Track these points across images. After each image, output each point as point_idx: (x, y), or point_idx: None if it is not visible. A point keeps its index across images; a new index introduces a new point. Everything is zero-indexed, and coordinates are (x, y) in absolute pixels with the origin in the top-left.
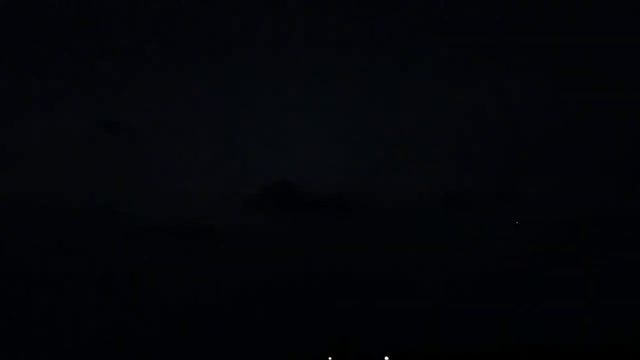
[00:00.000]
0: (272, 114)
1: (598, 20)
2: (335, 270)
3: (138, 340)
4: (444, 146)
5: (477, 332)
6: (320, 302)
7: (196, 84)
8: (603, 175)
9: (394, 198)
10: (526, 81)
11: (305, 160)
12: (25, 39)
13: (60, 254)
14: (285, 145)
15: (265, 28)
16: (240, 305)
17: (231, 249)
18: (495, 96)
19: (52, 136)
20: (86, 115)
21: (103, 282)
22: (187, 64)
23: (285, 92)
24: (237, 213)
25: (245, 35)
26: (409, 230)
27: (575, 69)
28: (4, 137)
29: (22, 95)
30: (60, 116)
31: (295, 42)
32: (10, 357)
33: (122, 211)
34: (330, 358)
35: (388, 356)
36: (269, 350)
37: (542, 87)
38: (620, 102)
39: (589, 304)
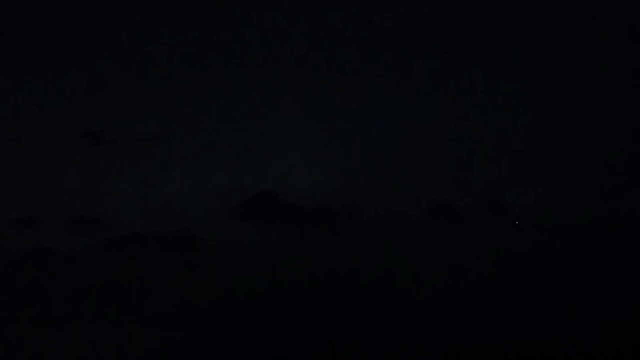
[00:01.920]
0: (257, 124)
1: (594, 28)
2: (323, 280)
3: (120, 351)
4: (432, 156)
5: (468, 342)
6: (307, 313)
7: (180, 94)
8: (594, 182)
9: (381, 209)
10: (520, 89)
11: (290, 171)
12: (5, 46)
13: (42, 262)
14: (270, 155)
15: (252, 38)
16: (225, 317)
17: (216, 260)
18: (485, 104)
19: (33, 145)
20: (68, 124)
21: (85, 292)
22: (170, 74)
23: (270, 102)
24: (222, 224)
25: (230, 45)
26: (397, 241)
27: (567, 77)
28: None
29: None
30: (41, 125)
31: (284, 52)
32: None
33: (105, 221)
34: None
35: None
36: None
37: (536, 95)
38: (611, 109)
39: (580, 313)
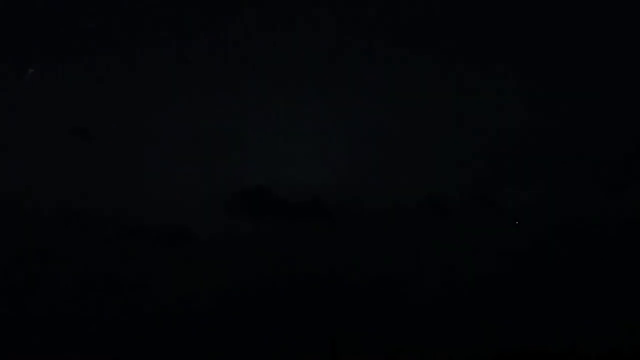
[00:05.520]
0: (251, 119)
1: (593, 25)
2: (318, 275)
3: (117, 346)
4: (428, 151)
5: (466, 338)
6: (303, 308)
7: (172, 88)
8: (593, 181)
9: (375, 204)
10: (518, 87)
11: (284, 165)
12: None
13: (37, 259)
14: (264, 150)
15: (247, 35)
16: (222, 312)
17: (211, 255)
18: (481, 100)
19: (23, 143)
20: (59, 121)
21: (82, 288)
22: (161, 68)
23: (265, 97)
24: (216, 219)
25: (223, 41)
26: (392, 236)
27: (563, 73)
28: None
29: None
30: (31, 123)
31: (278, 49)
32: None
33: (100, 217)
34: None
35: None
36: (252, 356)
37: (536, 92)
38: (611, 107)
39: (574, 310)
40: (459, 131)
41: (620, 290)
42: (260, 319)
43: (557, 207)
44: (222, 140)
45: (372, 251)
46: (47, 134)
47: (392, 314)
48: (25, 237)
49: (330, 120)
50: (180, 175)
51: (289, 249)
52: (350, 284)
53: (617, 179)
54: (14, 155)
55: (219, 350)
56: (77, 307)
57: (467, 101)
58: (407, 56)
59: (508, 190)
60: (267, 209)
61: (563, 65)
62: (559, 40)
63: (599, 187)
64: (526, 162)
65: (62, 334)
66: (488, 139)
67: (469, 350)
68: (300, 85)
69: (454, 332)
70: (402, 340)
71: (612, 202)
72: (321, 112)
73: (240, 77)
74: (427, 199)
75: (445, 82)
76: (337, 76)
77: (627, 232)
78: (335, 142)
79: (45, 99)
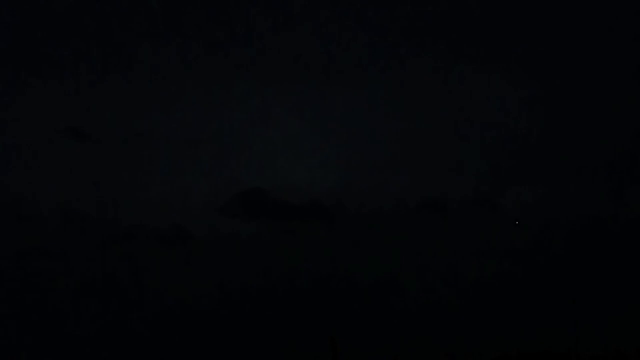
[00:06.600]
0: (248, 121)
1: (593, 27)
2: (315, 276)
3: (116, 346)
4: (427, 152)
5: (466, 338)
6: (306, 308)
7: (170, 91)
8: (593, 182)
9: (373, 205)
10: (519, 88)
11: (280, 167)
12: None
13: (34, 260)
14: (260, 152)
15: (244, 36)
16: (221, 312)
17: (208, 255)
18: (482, 100)
19: (18, 143)
20: (54, 122)
21: (80, 288)
22: (157, 69)
23: (261, 99)
24: (213, 220)
25: (220, 42)
26: (389, 237)
27: (563, 74)
28: None
29: None
30: (26, 123)
31: (275, 50)
32: None
33: (97, 218)
34: None
35: None
36: (252, 356)
37: (536, 94)
38: (611, 108)
39: (574, 310)
40: (459, 131)
41: (621, 290)
42: (260, 319)
43: (557, 207)
44: (221, 142)
45: (372, 252)
46: (46, 134)
47: (392, 314)
48: (25, 237)
49: (330, 121)
50: (179, 177)
51: (289, 249)
52: (350, 284)
53: (617, 179)
54: (13, 156)
55: (218, 350)
56: (76, 307)
57: (467, 101)
58: (407, 56)
59: (508, 190)
60: (266, 210)
61: (563, 66)
62: (560, 41)
63: (599, 187)
64: (526, 162)
65: (62, 334)
66: (488, 139)
67: (469, 351)
68: (300, 85)
69: (454, 332)
70: (402, 340)
71: (612, 202)
72: (321, 112)
73: (240, 78)
74: (427, 199)
75: (445, 82)
76: (337, 76)
77: (627, 232)
78: (335, 142)
79: (44, 99)
